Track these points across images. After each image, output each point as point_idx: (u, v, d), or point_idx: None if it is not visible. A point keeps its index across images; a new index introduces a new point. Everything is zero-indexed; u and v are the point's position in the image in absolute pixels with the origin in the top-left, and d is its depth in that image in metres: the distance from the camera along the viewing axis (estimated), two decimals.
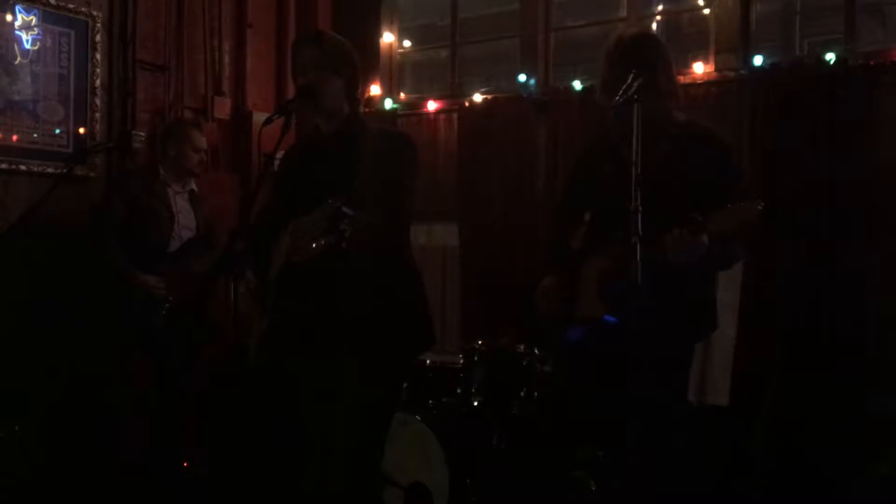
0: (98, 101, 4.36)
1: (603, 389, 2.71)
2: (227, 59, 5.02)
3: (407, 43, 5.44)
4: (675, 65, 2.77)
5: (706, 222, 2.39)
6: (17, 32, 4.07)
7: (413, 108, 5.06)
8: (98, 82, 4.36)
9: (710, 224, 2.41)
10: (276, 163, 2.90)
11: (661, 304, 2.39)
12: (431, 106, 4.94)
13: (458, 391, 3.71)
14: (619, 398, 2.57)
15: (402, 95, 5.28)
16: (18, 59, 4.08)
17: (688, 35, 4.95)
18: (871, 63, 3.71)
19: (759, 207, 2.40)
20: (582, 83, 4.41)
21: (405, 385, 3.66)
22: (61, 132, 4.25)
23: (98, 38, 4.35)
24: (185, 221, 4.10)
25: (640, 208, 2.29)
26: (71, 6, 4.25)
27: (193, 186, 4.19)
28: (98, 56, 4.36)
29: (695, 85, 4.13)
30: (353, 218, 2.21)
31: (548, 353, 3.60)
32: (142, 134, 4.48)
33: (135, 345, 4.04)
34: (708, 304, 2.80)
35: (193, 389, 4.10)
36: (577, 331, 2.73)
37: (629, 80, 2.41)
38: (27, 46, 4.11)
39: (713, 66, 4.17)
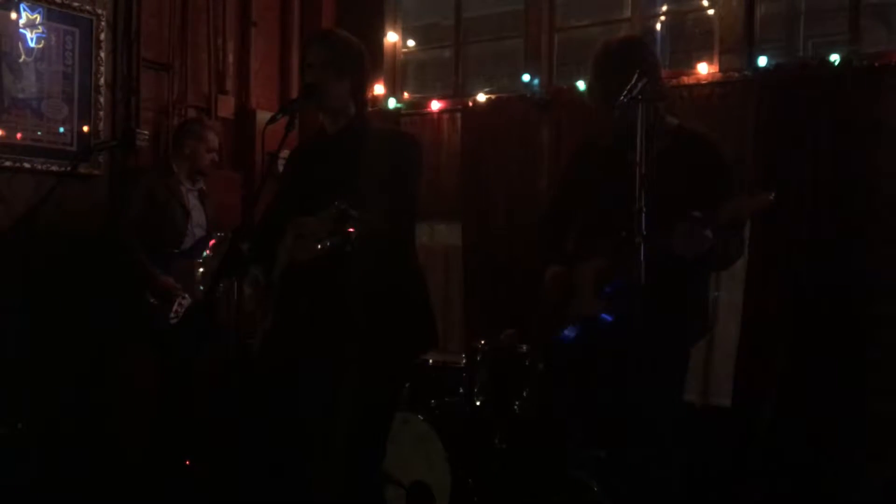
0: (102, 100, 4.37)
1: (599, 388, 2.72)
2: (230, 58, 5.03)
3: (411, 42, 5.44)
4: (662, 67, 2.78)
5: (712, 216, 2.39)
6: (21, 31, 4.07)
7: (416, 108, 5.05)
8: (102, 80, 4.36)
9: (722, 213, 2.41)
10: (280, 162, 2.90)
11: (657, 304, 2.39)
12: (435, 105, 4.94)
13: (461, 391, 3.71)
14: (616, 397, 2.58)
15: (406, 95, 5.28)
16: (23, 57, 4.08)
17: (692, 35, 4.95)
18: (876, 64, 3.70)
19: (771, 198, 2.41)
20: (585, 83, 4.40)
21: (407, 385, 3.66)
22: (65, 130, 4.25)
23: (102, 36, 4.36)
24: (198, 219, 4.12)
25: (644, 209, 2.30)
26: (75, 4, 4.25)
27: (202, 185, 4.21)
28: (102, 54, 4.36)
29: (699, 85, 4.13)
30: (359, 220, 2.21)
31: (541, 352, 3.59)
32: (145, 132, 4.49)
33: (143, 343, 4.05)
34: (703, 304, 2.80)
35: (197, 388, 4.10)
36: (573, 329, 2.73)
37: (633, 81, 2.41)
38: (31, 45, 4.11)
39: (717, 67, 4.16)
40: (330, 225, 2.20)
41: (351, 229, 2.19)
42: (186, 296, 3.92)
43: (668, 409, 2.64)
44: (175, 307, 3.90)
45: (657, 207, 2.36)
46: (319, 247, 2.23)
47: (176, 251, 4.01)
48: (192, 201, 4.13)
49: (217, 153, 4.24)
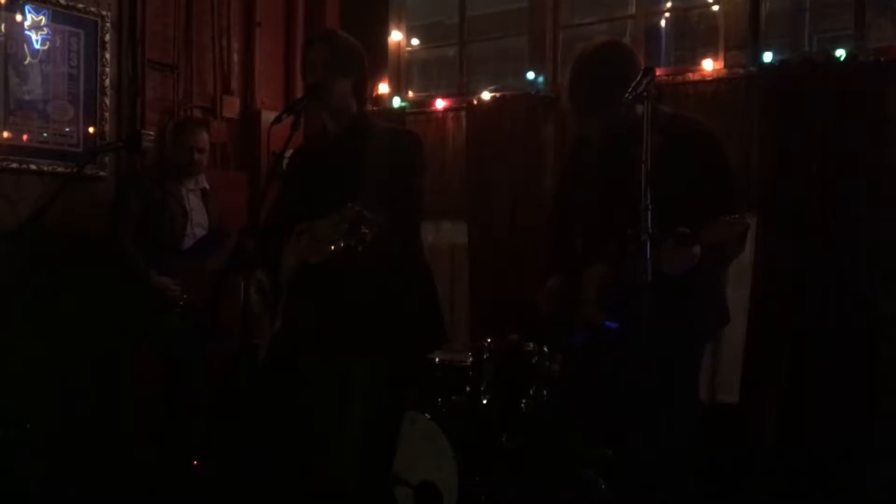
0: (107, 101, 4.37)
1: (609, 391, 2.71)
2: (235, 58, 5.03)
3: (415, 41, 5.44)
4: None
5: (696, 234, 2.38)
6: (26, 32, 4.08)
7: (421, 107, 5.05)
8: (107, 82, 4.37)
9: (703, 236, 2.39)
10: (285, 161, 2.90)
11: (664, 303, 2.37)
12: (440, 104, 4.94)
13: (467, 389, 3.71)
14: (627, 399, 2.57)
15: (411, 94, 5.29)
16: (28, 59, 4.09)
17: (697, 32, 4.95)
18: (882, 59, 3.69)
19: (749, 222, 2.40)
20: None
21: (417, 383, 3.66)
22: (71, 131, 4.26)
23: (107, 37, 4.36)
24: (199, 219, 4.12)
25: (650, 206, 2.28)
26: (80, 6, 4.26)
27: (205, 184, 4.21)
28: (107, 55, 4.37)
29: (704, 82, 4.12)
30: (373, 221, 2.20)
31: (556, 352, 3.59)
32: (151, 133, 4.48)
33: (148, 343, 4.06)
34: (713, 297, 2.77)
35: (204, 388, 4.11)
36: (579, 335, 2.73)
37: (639, 78, 2.40)
38: (37, 46, 4.12)
39: (723, 63, 4.16)
40: (343, 227, 2.20)
41: (365, 231, 2.19)
42: (185, 296, 3.92)
43: (680, 409, 2.63)
44: (176, 307, 3.90)
45: (660, 201, 2.34)
46: (333, 248, 2.23)
47: (176, 251, 4.01)
48: (194, 201, 4.13)
49: (198, 150, 4.12)
